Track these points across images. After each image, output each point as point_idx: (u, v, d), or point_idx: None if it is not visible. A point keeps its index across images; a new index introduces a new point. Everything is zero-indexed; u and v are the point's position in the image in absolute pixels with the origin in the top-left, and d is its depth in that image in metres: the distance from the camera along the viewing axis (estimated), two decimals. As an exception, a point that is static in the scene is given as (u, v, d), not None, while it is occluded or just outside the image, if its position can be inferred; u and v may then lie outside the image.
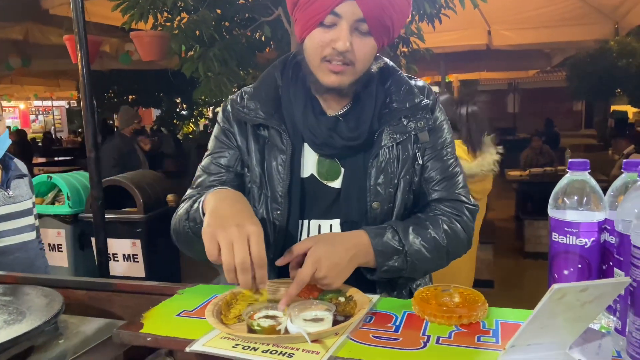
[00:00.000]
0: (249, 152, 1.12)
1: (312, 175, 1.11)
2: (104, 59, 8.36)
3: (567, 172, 0.80)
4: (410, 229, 1.03)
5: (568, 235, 0.77)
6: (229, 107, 1.16)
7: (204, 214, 0.92)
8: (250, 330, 0.80)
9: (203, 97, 3.47)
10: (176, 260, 3.69)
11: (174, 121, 13.45)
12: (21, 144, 10.43)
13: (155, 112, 17.11)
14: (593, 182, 0.78)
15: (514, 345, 0.68)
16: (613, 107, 15.93)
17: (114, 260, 3.35)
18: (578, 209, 0.77)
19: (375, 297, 0.95)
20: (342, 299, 0.91)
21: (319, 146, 1.08)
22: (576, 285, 0.61)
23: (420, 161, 1.11)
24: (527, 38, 6.85)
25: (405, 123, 1.09)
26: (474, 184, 2.34)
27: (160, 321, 0.89)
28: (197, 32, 3.35)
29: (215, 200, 0.91)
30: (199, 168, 1.17)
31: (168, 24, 3.42)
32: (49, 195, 3.60)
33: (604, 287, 0.63)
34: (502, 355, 0.70)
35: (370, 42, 1.00)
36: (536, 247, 5.23)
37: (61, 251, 3.47)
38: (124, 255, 3.36)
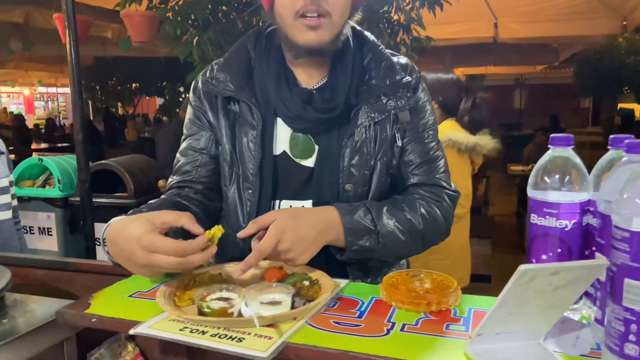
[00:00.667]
0: (219, 129, 1.06)
1: (284, 152, 1.04)
2: (107, 46, 8.30)
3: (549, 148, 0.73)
4: (385, 209, 0.97)
5: (547, 217, 0.71)
6: (199, 83, 1.10)
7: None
8: (201, 313, 0.74)
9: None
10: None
11: (177, 109, 13.39)
12: (19, 129, 10.39)
13: (159, 101, 17.08)
14: (577, 159, 0.71)
15: (481, 334, 0.62)
16: (620, 105, 15.75)
17: (104, 245, 3.30)
18: (559, 189, 0.71)
19: (343, 282, 0.89)
20: (306, 283, 0.85)
21: (291, 119, 1.02)
22: (546, 267, 0.54)
23: (399, 143, 1.05)
24: (534, 31, 6.75)
25: (384, 101, 1.02)
26: (479, 157, 2.30)
27: (110, 302, 0.83)
28: (192, 15, 3.28)
29: (111, 243, 0.91)
30: (177, 153, 1.12)
31: (162, 5, 3.35)
32: (40, 178, 3.55)
33: (579, 270, 0.56)
34: (468, 344, 0.64)
35: None
36: (536, 243, 5.14)
37: (51, 235, 3.42)
38: (113, 240, 3.31)
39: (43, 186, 3.49)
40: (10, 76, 14.99)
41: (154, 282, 0.91)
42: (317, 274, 0.89)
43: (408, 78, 1.04)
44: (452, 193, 1.07)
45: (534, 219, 0.73)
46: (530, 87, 21.27)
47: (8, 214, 1.85)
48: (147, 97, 16.84)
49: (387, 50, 1.09)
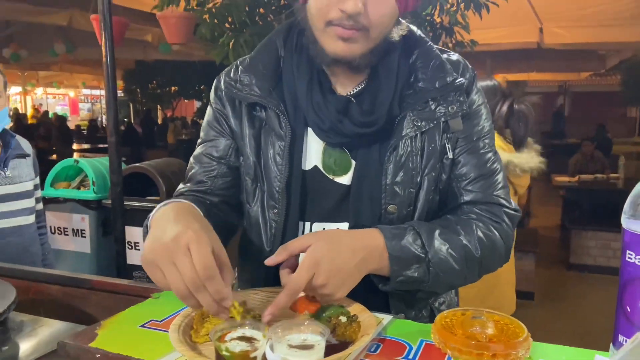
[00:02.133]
0: (242, 138, 0.93)
1: (316, 167, 0.91)
2: (147, 49, 8.45)
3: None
4: (437, 232, 0.83)
5: (649, 256, 0.57)
6: (222, 83, 0.97)
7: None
8: (218, 355, 0.63)
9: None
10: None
11: (214, 113, 13.51)
12: (61, 129, 10.69)
13: (197, 104, 17.32)
14: (688, 185, 0.57)
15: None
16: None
17: (135, 249, 3.26)
18: (665, 220, 0.56)
19: (386, 319, 0.77)
20: (343, 319, 0.73)
21: (325, 132, 0.88)
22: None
23: (450, 155, 0.90)
24: (581, 37, 6.48)
25: (433, 107, 0.88)
26: (520, 178, 2.09)
27: (119, 332, 0.73)
28: (229, 18, 3.23)
29: (156, 221, 0.73)
30: (191, 159, 1.00)
31: (199, 7, 3.31)
32: (76, 179, 3.55)
33: None
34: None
35: (388, 2, 0.80)
36: (582, 259, 4.88)
37: (84, 237, 3.41)
38: (144, 244, 3.27)
39: (78, 188, 3.48)
40: (55, 78, 15.51)
41: (173, 307, 0.81)
42: (356, 308, 0.77)
43: (461, 79, 0.90)
44: (512, 212, 0.92)
45: (631, 257, 0.59)
46: (574, 95, 20.61)
47: (30, 219, 1.80)
48: (185, 100, 17.09)
49: (435, 47, 0.94)
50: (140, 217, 3.32)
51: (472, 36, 3.74)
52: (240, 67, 0.94)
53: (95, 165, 3.42)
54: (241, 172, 0.96)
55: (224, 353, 0.62)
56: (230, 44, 3.26)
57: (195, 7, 3.32)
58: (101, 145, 11.15)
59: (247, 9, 3.29)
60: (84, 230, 3.42)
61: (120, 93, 21.03)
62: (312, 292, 0.74)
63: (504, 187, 0.93)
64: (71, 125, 14.73)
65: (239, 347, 0.62)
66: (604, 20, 6.10)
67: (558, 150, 10.14)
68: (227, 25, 3.27)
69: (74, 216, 3.43)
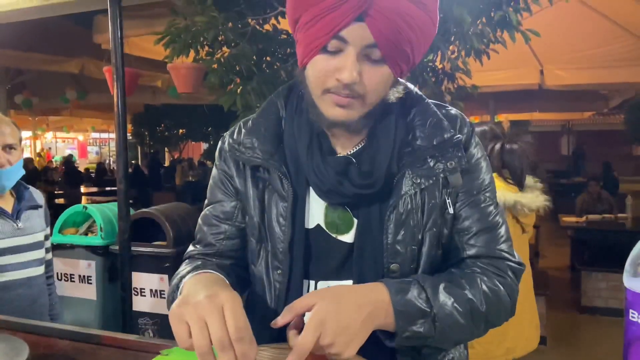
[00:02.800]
0: (247, 199, 0.96)
1: (318, 226, 0.92)
2: (156, 94, 8.68)
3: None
4: (442, 286, 0.83)
5: (652, 316, 0.57)
6: (226, 144, 0.99)
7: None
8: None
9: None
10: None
11: (221, 155, 13.67)
12: (70, 173, 10.83)
13: (204, 146, 17.57)
14: (687, 245, 0.58)
15: None
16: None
17: (141, 295, 3.26)
18: (666, 280, 0.57)
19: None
20: (349, 377, 0.73)
21: (325, 193, 0.90)
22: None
23: (450, 210, 0.91)
24: (582, 78, 6.62)
25: (431, 164, 0.89)
26: (527, 217, 2.11)
27: (129, 392, 0.73)
28: (237, 67, 3.33)
29: (189, 285, 0.78)
30: (199, 220, 1.03)
31: (208, 57, 3.41)
32: (84, 225, 3.58)
33: None
34: None
35: (383, 71, 0.82)
36: (594, 301, 4.80)
37: (90, 283, 3.41)
38: (151, 290, 3.27)
39: (86, 233, 3.51)
40: (65, 123, 15.84)
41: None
42: (359, 362, 0.77)
43: (459, 136, 0.92)
44: (515, 266, 0.93)
45: (634, 316, 0.59)
46: (577, 134, 20.72)
47: (40, 270, 1.81)
48: (192, 142, 17.34)
49: (432, 103, 0.97)
50: (146, 263, 3.34)
51: (475, 78, 3.82)
52: (243, 130, 0.97)
53: (104, 211, 3.46)
54: (247, 232, 0.98)
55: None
56: (238, 91, 3.35)
57: (204, 57, 3.43)
58: (108, 188, 11.28)
59: (254, 58, 3.40)
60: (91, 276, 3.43)
61: (128, 136, 21.44)
62: (320, 351, 0.74)
63: (507, 241, 0.94)
64: (80, 168, 14.92)
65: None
66: (604, 62, 6.23)
67: (565, 190, 10.14)
68: (235, 73, 3.36)
69: (80, 262, 3.45)
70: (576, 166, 15.02)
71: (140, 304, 3.21)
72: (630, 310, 0.60)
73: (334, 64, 0.80)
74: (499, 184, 2.10)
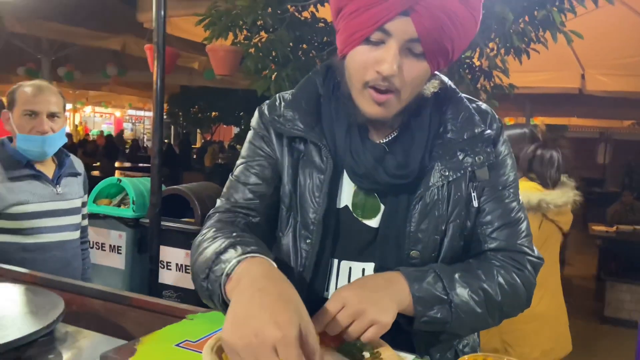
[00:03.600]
0: (282, 165, 0.98)
1: (346, 207, 0.96)
2: (193, 75, 8.81)
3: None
4: (457, 275, 0.87)
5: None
6: (266, 112, 1.01)
7: (223, 302, 0.78)
8: (247, 377, 0.68)
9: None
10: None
11: (252, 139, 13.84)
12: (109, 147, 11.13)
13: (235, 130, 17.75)
14: None
15: None
16: None
17: (167, 268, 3.36)
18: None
19: (409, 358, 0.80)
20: (366, 354, 0.76)
21: (359, 177, 0.92)
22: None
23: (475, 203, 0.93)
24: (624, 85, 6.44)
25: (461, 157, 0.92)
26: (561, 215, 2.08)
27: (156, 349, 0.79)
28: (274, 52, 3.36)
29: (238, 291, 0.71)
30: (230, 176, 1.03)
31: (246, 41, 3.46)
32: (117, 197, 3.70)
33: None
34: None
35: (422, 66, 0.84)
36: (617, 313, 4.72)
37: (120, 253, 3.52)
38: (176, 264, 3.36)
39: (119, 205, 3.62)
40: (104, 98, 16.22)
41: (206, 329, 0.86)
42: (378, 344, 0.80)
43: (489, 131, 0.94)
44: (535, 260, 0.96)
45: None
46: (615, 142, 20.13)
47: (75, 235, 1.90)
48: (224, 126, 17.55)
49: (464, 97, 0.99)
50: (174, 238, 3.43)
51: (513, 78, 3.75)
52: (283, 103, 0.99)
53: (137, 185, 3.57)
54: (280, 199, 0.99)
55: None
56: (273, 77, 3.39)
57: (242, 41, 3.48)
58: (141, 165, 11.55)
59: (291, 44, 3.43)
60: (121, 247, 3.54)
61: (165, 115, 21.77)
62: (359, 327, 0.76)
63: (527, 236, 0.96)
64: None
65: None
66: (647, 70, 6.03)
67: (597, 199, 9.90)
68: (271, 59, 3.40)
69: (112, 232, 3.56)
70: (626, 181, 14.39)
71: (166, 276, 3.31)
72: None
73: (374, 55, 0.82)
74: (524, 183, 2.08)
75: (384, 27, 0.80)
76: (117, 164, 10.28)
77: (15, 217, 1.72)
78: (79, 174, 1.95)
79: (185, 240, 3.33)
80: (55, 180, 1.84)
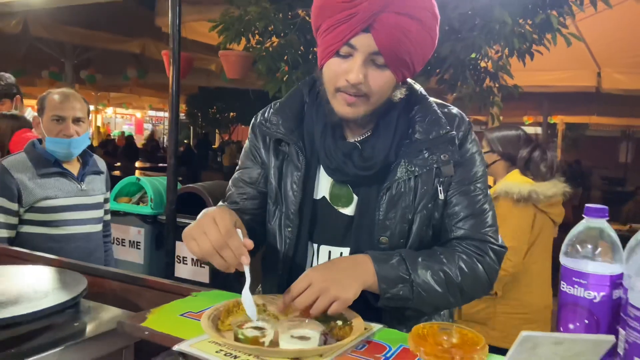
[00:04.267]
0: (269, 167, 1.13)
1: (324, 198, 1.10)
2: (210, 77, 8.99)
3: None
4: (420, 259, 0.99)
5: (576, 286, 0.71)
6: (258, 119, 1.18)
7: None
8: (237, 338, 0.82)
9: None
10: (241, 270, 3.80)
11: (268, 139, 14.02)
12: (128, 147, 11.37)
13: (252, 130, 17.91)
14: (611, 231, 0.71)
15: (490, 395, 0.63)
16: None
17: (183, 263, 3.52)
18: (591, 259, 0.71)
19: (376, 327, 0.92)
20: (339, 322, 0.90)
21: (332, 170, 1.07)
22: (548, 336, 0.56)
23: (441, 196, 1.05)
24: (640, 84, 6.37)
25: (426, 155, 1.04)
26: (552, 207, 2.18)
27: (164, 318, 0.93)
28: (285, 56, 3.50)
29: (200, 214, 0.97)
30: (230, 181, 1.22)
31: (258, 46, 3.61)
32: (136, 195, 3.88)
33: (583, 344, 0.57)
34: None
35: (386, 75, 0.98)
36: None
37: (139, 248, 3.70)
38: (192, 259, 3.52)
39: (137, 203, 3.80)
40: (125, 99, 16.58)
41: (206, 304, 1.00)
42: (352, 316, 0.93)
43: (453, 133, 1.05)
44: (497, 248, 1.06)
45: (564, 286, 0.73)
46: (638, 141, 19.77)
47: (98, 227, 2.07)
48: (242, 126, 17.78)
49: (435, 102, 1.10)
50: (190, 234, 3.60)
51: (529, 78, 3.81)
52: (272, 110, 1.15)
53: (154, 184, 3.74)
54: (267, 195, 1.16)
55: (240, 336, 0.80)
56: (284, 78, 3.53)
57: (254, 45, 3.62)
58: (160, 165, 11.81)
59: (301, 48, 3.57)
60: (139, 242, 3.72)
61: (182, 116, 22.15)
62: (323, 302, 0.89)
63: (492, 226, 1.07)
64: (137, 144, 15.61)
65: (252, 333, 0.81)
66: (668, 67, 6.00)
67: (617, 198, 9.81)
68: (282, 62, 3.54)
69: (131, 229, 3.74)
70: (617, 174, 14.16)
71: (182, 270, 3.47)
72: (562, 282, 0.73)
73: (344, 66, 0.97)
74: (517, 176, 2.18)
75: (349, 42, 0.94)
76: (137, 164, 10.54)
77: (44, 210, 1.90)
78: (102, 172, 2.13)
79: (200, 235, 3.49)
80: (80, 178, 2.01)
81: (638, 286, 0.57)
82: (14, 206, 1.87)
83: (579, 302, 0.71)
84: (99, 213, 2.07)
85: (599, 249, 0.70)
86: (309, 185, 1.09)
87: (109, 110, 21.40)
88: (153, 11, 5.73)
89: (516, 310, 2.09)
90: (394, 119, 1.06)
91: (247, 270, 0.91)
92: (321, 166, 1.09)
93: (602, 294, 0.69)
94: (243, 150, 1.22)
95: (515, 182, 2.13)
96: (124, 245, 3.75)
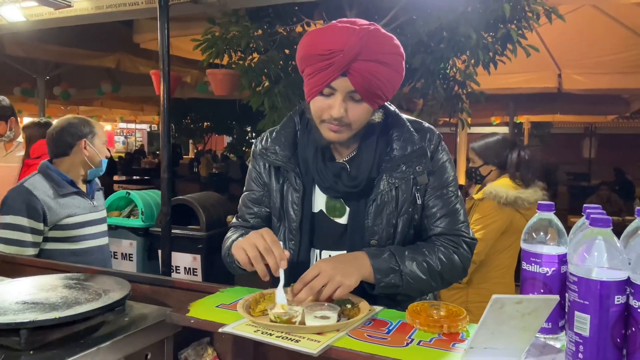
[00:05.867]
0: (271, 190, 1.33)
1: (321, 211, 1.30)
2: (185, 89, 9.07)
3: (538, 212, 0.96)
4: (406, 252, 1.19)
5: (533, 265, 0.93)
6: (257, 148, 1.37)
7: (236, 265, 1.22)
8: (271, 320, 1.01)
9: (267, 129, 3.79)
10: (231, 275, 3.96)
11: (243, 148, 14.16)
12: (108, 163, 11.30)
13: (227, 139, 18.03)
14: (557, 221, 0.94)
15: (472, 347, 0.84)
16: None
17: (176, 272, 3.67)
18: (543, 243, 0.93)
19: (379, 308, 1.13)
20: (349, 306, 1.10)
21: (325, 189, 1.27)
22: (512, 297, 0.77)
23: (419, 202, 1.25)
24: (599, 83, 6.74)
25: (403, 169, 1.23)
26: (528, 210, 2.44)
27: (203, 309, 1.11)
28: (266, 70, 3.70)
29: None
30: (240, 201, 1.42)
31: (241, 62, 3.80)
32: (126, 209, 4.01)
33: (537, 302, 0.78)
34: (463, 356, 0.86)
35: (363, 107, 1.18)
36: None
37: (132, 260, 3.84)
38: (185, 268, 3.68)
39: (128, 216, 3.94)
40: (95, 112, 16.40)
41: (234, 297, 1.19)
42: (359, 300, 1.13)
43: (424, 147, 1.26)
44: (469, 240, 1.28)
45: (525, 265, 0.95)
46: (601, 137, 20.52)
47: (106, 240, 2.25)
48: (217, 135, 17.83)
49: (408, 120, 1.30)
50: (182, 244, 3.74)
51: (494, 81, 4.06)
52: (269, 139, 1.34)
53: (144, 197, 3.88)
54: (271, 213, 1.36)
55: (275, 319, 1.00)
56: (266, 92, 3.73)
57: (237, 61, 3.81)
58: (135, 177, 11.79)
59: (281, 63, 3.77)
60: (132, 254, 3.86)
61: (155, 127, 22.03)
62: (331, 287, 1.08)
63: (463, 222, 1.29)
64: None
65: (285, 315, 1.01)
66: (622, 67, 6.37)
67: (581, 193, 10.26)
68: (264, 77, 3.74)
69: (123, 241, 3.87)
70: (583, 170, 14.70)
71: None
72: (523, 261, 0.95)
73: (327, 103, 1.17)
74: (503, 180, 2.43)
75: (330, 85, 1.15)
76: (115, 178, 10.54)
77: (66, 227, 2.06)
78: (101, 189, 2.32)
79: (192, 245, 3.65)
80: (91, 195, 2.18)
81: (574, 260, 0.79)
82: (40, 226, 2.00)
83: (536, 277, 0.93)
84: (105, 227, 2.26)
85: (549, 235, 0.92)
86: (307, 202, 1.29)
87: (79, 124, 21.13)
88: (129, 26, 5.83)
89: (486, 298, 2.33)
90: (374, 141, 1.26)
91: (282, 274, 1.10)
92: (316, 185, 1.29)
93: (552, 269, 0.91)
94: (248, 173, 1.41)
95: (503, 187, 2.38)
96: (116, 258, 3.87)
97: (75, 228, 2.08)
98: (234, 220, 1.45)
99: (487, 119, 12.19)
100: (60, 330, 1.03)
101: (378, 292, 1.19)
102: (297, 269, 1.25)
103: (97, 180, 2.30)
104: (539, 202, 0.95)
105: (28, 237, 1.98)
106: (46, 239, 2.04)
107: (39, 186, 2.04)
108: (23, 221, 1.97)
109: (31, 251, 1.99)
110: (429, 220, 1.28)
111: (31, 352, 0.98)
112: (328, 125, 1.19)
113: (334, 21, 1.18)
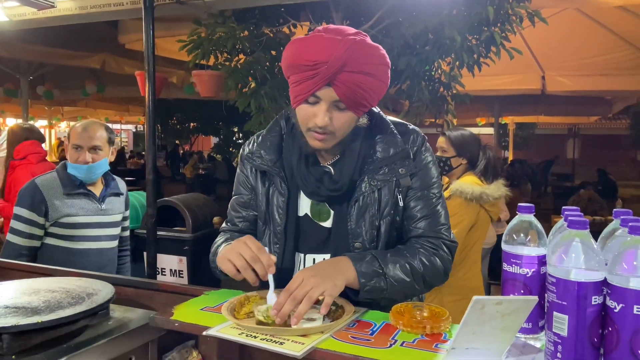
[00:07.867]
0: (257, 194, 1.34)
1: (306, 214, 1.30)
2: (170, 89, 9.01)
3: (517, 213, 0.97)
4: (389, 255, 1.19)
5: (514, 266, 0.94)
6: (245, 152, 1.37)
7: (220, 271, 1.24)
8: (260, 322, 1.02)
9: (253, 130, 3.79)
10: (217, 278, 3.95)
11: (230, 149, 14.09)
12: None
13: (214, 140, 17.95)
14: (537, 223, 0.95)
15: (454, 348, 0.86)
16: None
17: (162, 274, 3.65)
18: (524, 244, 0.94)
19: (362, 310, 1.14)
20: (333, 307, 1.11)
21: (309, 194, 1.27)
22: (492, 299, 0.78)
23: (401, 203, 1.25)
24: (582, 85, 6.85)
25: (386, 171, 1.24)
26: (492, 205, 2.52)
27: (187, 312, 1.11)
28: (252, 71, 3.70)
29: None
30: (229, 205, 1.43)
31: (227, 63, 3.79)
32: (111, 211, 3.97)
33: (517, 303, 0.80)
34: (445, 356, 0.88)
35: (347, 115, 1.18)
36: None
37: (116, 262, 3.80)
38: (170, 270, 3.66)
39: (112, 218, 3.90)
40: (80, 113, 16.23)
41: (219, 300, 1.19)
42: (344, 303, 1.14)
43: (407, 149, 1.26)
44: (449, 242, 1.28)
45: (505, 266, 0.96)
46: (584, 137, 20.83)
47: (112, 244, 2.26)
48: (203, 136, 17.74)
49: (392, 122, 1.30)
50: (168, 246, 3.73)
51: (479, 83, 4.12)
52: (255, 143, 1.35)
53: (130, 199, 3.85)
54: (258, 217, 1.36)
55: (265, 320, 1.00)
56: (253, 93, 3.72)
57: (223, 62, 3.80)
58: (126, 179, 11.64)
59: (267, 64, 3.77)
60: (116, 256, 3.82)
61: (140, 127, 21.85)
62: (312, 294, 1.05)
63: (444, 224, 1.29)
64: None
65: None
66: (605, 70, 6.47)
67: (564, 193, 10.41)
68: (250, 78, 3.74)
69: (107, 243, 3.83)
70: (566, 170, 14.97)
71: (163, 281, 3.60)
72: (504, 262, 0.96)
73: (312, 111, 1.18)
74: (470, 177, 2.48)
75: (315, 94, 1.15)
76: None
77: (65, 225, 2.10)
78: (122, 194, 2.33)
79: (178, 247, 3.64)
80: (101, 199, 2.20)
81: (553, 261, 0.81)
82: (41, 219, 2.10)
83: (516, 278, 0.94)
84: (115, 231, 2.28)
85: (529, 237, 0.94)
86: (292, 206, 1.29)
87: (63, 124, 20.91)
88: (114, 26, 5.79)
89: (460, 296, 2.36)
90: (357, 145, 1.26)
91: (271, 279, 1.11)
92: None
93: (532, 270, 0.93)
94: (236, 177, 1.42)
95: (468, 183, 2.43)
96: (101, 260, 3.83)
97: (75, 228, 2.12)
98: (224, 224, 1.46)
99: (473, 119, 12.33)
100: (43, 334, 1.02)
101: (363, 297, 1.17)
102: (281, 272, 1.25)
103: (118, 185, 2.33)
104: (519, 204, 0.96)
105: (26, 227, 2.08)
106: (47, 234, 2.12)
107: (48, 183, 2.13)
108: (24, 212, 2.09)
109: (35, 242, 2.11)
110: (409, 221, 1.28)
111: (13, 356, 0.98)
112: (313, 134, 1.19)
113: (320, 28, 1.18)
